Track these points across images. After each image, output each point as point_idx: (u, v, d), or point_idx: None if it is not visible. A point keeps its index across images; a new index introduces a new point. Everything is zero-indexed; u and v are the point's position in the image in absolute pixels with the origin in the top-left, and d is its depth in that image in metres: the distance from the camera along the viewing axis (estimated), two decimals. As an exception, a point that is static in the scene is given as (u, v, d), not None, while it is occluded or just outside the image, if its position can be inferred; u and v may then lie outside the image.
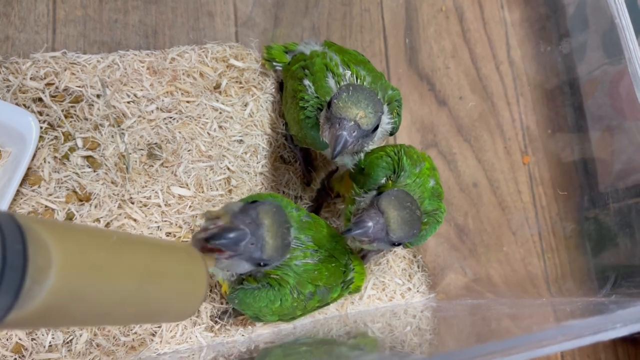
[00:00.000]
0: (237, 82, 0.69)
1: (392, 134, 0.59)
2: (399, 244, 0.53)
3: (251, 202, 0.49)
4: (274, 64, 0.69)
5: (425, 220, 0.56)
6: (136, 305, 0.33)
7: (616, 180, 0.70)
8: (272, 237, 0.47)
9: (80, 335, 0.58)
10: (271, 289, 0.53)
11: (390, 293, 0.69)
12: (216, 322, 0.62)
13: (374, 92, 0.53)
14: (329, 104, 0.51)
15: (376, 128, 0.53)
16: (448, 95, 0.80)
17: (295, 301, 0.54)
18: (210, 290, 0.63)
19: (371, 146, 0.58)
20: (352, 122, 0.50)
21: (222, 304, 0.63)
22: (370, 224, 0.51)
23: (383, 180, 0.56)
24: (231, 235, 0.45)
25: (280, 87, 0.72)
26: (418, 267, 0.72)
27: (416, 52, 0.81)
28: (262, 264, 0.49)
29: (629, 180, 0.68)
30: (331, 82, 0.57)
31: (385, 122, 0.56)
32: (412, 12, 0.81)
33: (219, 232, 0.45)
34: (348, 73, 0.58)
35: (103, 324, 0.32)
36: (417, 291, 0.70)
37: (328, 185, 0.70)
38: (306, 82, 0.59)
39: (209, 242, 0.44)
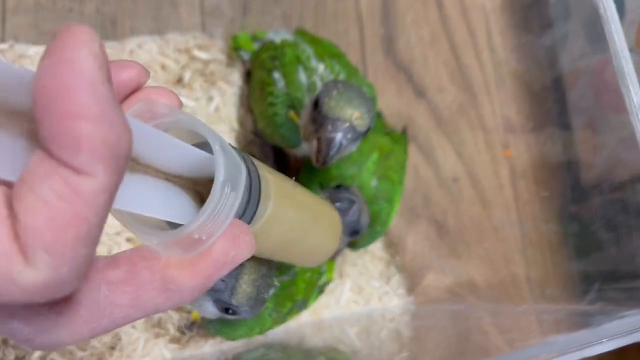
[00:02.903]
0: (201, 74, 0.65)
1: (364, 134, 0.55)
2: (356, 234, 0.51)
3: None
4: (241, 53, 0.64)
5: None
6: (306, 237, 0.38)
7: (599, 174, 0.67)
8: (248, 284, 0.43)
9: (33, 351, 0.54)
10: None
11: (367, 296, 0.66)
12: (184, 333, 0.59)
13: (362, 90, 0.48)
14: (315, 103, 0.46)
15: (368, 129, 0.48)
16: (427, 86, 0.77)
17: (274, 321, 0.51)
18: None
19: None
20: (348, 124, 0.44)
21: (190, 312, 0.60)
22: (354, 199, 0.50)
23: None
24: None
25: (249, 76, 0.67)
26: (396, 268, 0.69)
27: (393, 41, 0.77)
28: (229, 311, 0.44)
29: (612, 174, 0.65)
30: (302, 76, 0.53)
31: None
32: (388, -1, 0.77)
33: None
34: (321, 67, 0.54)
35: (281, 254, 0.38)
36: (395, 294, 0.67)
37: None
38: (276, 74, 0.55)
39: None
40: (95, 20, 0.65)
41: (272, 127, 0.54)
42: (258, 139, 0.66)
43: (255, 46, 0.63)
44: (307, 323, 0.63)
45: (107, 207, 0.17)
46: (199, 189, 0.24)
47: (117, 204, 0.20)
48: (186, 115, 0.23)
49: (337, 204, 0.48)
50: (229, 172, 0.22)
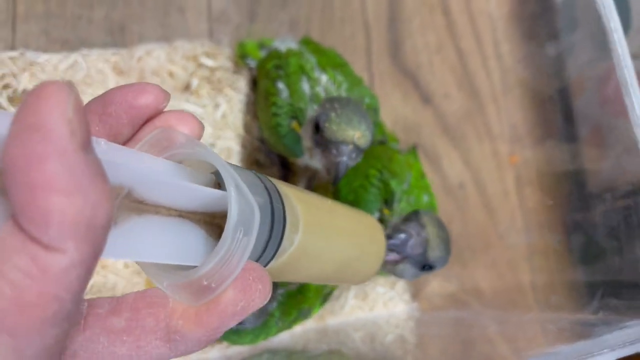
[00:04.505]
0: (208, 82, 0.65)
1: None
2: (429, 268, 0.50)
3: None
4: (247, 61, 0.65)
5: None
6: (343, 262, 0.35)
7: (605, 183, 0.67)
8: None
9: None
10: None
11: (372, 302, 0.66)
12: (189, 337, 0.59)
13: (359, 104, 0.49)
14: (316, 127, 0.47)
15: (371, 143, 0.49)
16: (433, 92, 0.77)
17: (279, 329, 0.52)
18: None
19: None
20: (351, 145, 0.46)
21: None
22: (412, 233, 0.47)
23: (377, 215, 0.52)
24: None
25: (255, 84, 0.68)
26: (401, 274, 0.69)
27: (400, 46, 0.78)
28: None
29: (617, 183, 0.65)
30: (305, 86, 0.53)
31: None
32: (395, 4, 0.78)
33: None
34: (324, 78, 0.54)
35: (314, 280, 0.37)
36: (401, 299, 0.67)
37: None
38: (280, 84, 0.56)
39: None
40: (104, 26, 0.66)
41: (276, 137, 0.55)
42: (264, 145, 0.66)
43: (262, 54, 0.64)
44: (311, 329, 0.64)
45: (82, 280, 0.16)
46: (217, 221, 0.23)
47: (125, 256, 0.19)
48: (203, 147, 0.22)
49: (391, 241, 0.47)
50: (242, 217, 0.20)
